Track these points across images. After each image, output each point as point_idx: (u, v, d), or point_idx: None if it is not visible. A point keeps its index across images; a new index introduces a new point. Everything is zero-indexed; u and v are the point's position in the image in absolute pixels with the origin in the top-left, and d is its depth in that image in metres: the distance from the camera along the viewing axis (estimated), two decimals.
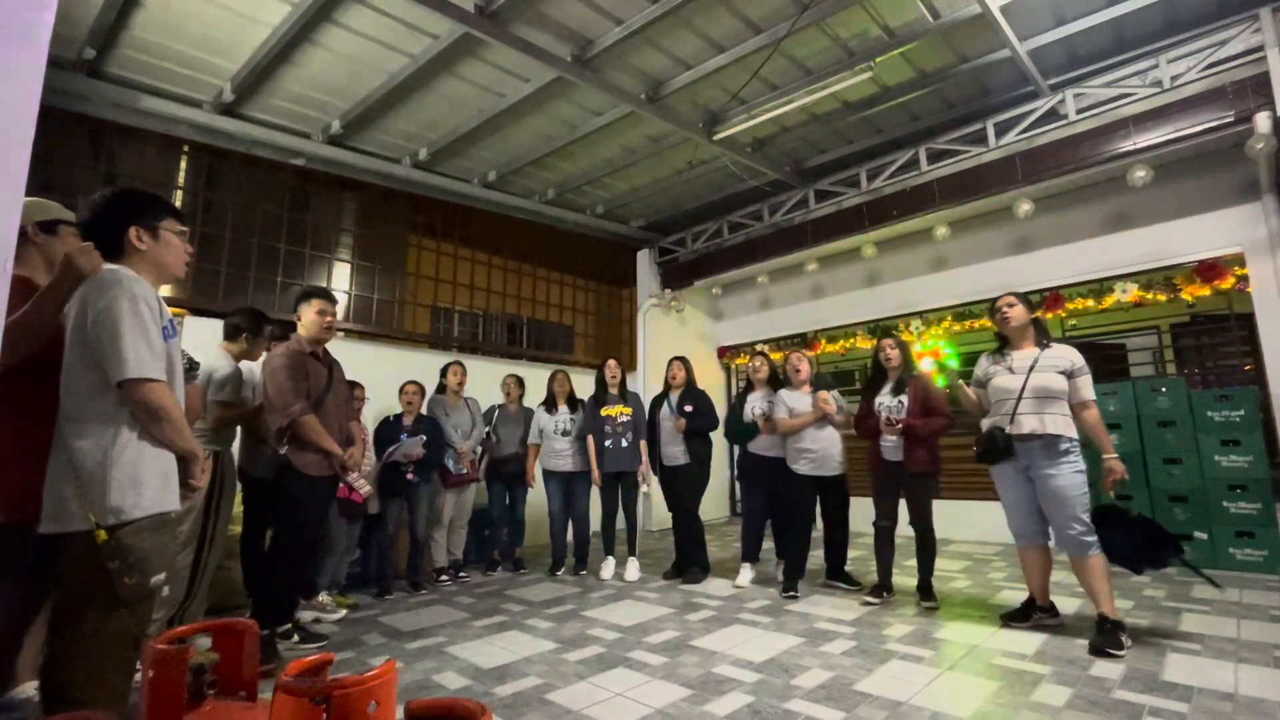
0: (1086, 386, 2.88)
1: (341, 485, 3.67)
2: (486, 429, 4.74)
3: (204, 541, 2.92)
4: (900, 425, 3.47)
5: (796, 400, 3.98)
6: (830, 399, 3.87)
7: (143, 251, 1.68)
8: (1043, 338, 3.03)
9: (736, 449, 4.35)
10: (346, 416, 3.16)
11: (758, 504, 4.19)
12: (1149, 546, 2.79)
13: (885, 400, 3.64)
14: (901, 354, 3.70)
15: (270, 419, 2.86)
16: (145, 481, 1.54)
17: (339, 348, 5.12)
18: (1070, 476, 2.79)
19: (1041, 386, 2.88)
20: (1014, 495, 3.02)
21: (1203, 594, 3.61)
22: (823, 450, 3.85)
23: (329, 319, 3.03)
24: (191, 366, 2.93)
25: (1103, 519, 2.82)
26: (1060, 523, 2.83)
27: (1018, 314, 3.03)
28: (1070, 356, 2.93)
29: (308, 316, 3.00)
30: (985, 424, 3.07)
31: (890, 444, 3.56)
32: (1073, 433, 2.83)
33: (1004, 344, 3.13)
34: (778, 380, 4.32)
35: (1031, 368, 2.92)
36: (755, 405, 4.20)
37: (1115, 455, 2.85)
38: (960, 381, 3.30)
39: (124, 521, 1.48)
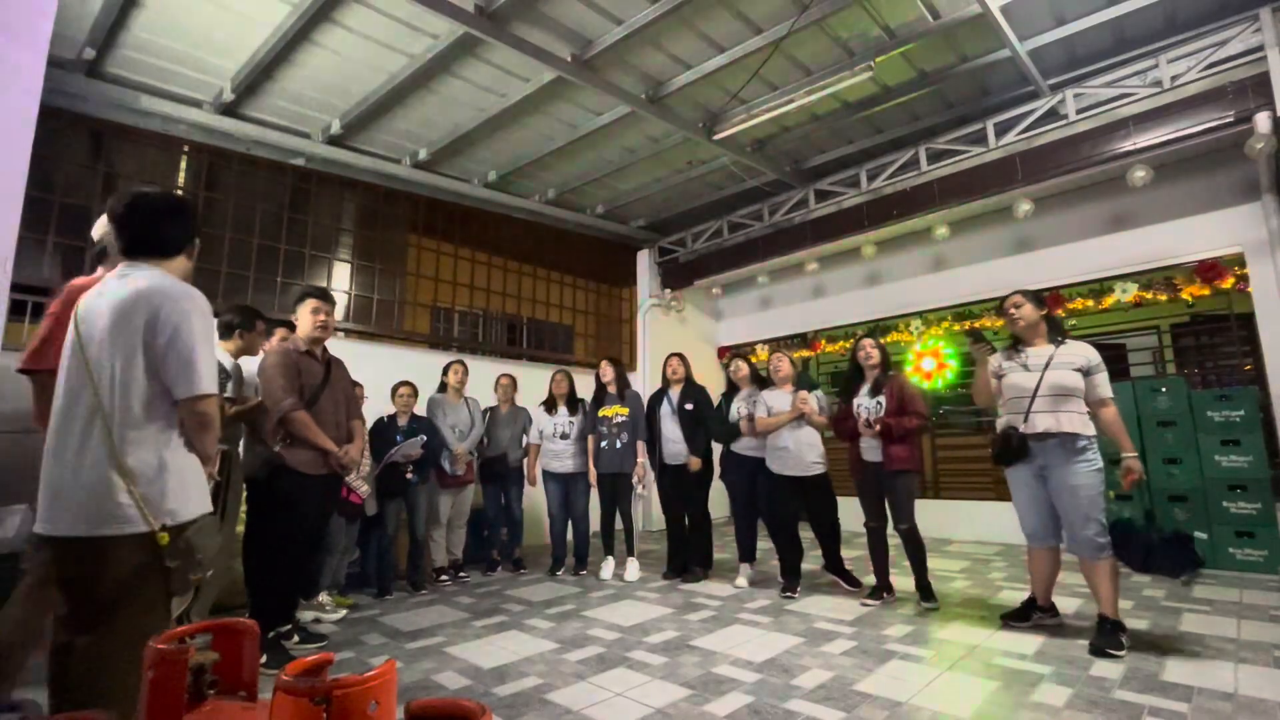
0: (1104, 384, 2.81)
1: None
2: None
3: None
4: (877, 426, 3.47)
5: (776, 399, 3.97)
6: (810, 398, 3.85)
7: (189, 265, 1.74)
8: (1056, 334, 2.95)
9: (719, 448, 4.36)
10: (347, 415, 3.16)
11: (743, 504, 4.20)
12: (1166, 557, 2.79)
13: (864, 401, 3.64)
14: (880, 354, 3.70)
15: (262, 418, 2.90)
16: (191, 484, 1.59)
17: (339, 347, 5.14)
18: (1088, 475, 2.71)
19: (1057, 384, 2.81)
20: (1026, 496, 2.95)
21: (1203, 594, 3.61)
22: (795, 449, 3.80)
23: (322, 318, 3.05)
24: (226, 377, 2.95)
25: (1122, 535, 2.81)
26: (1075, 524, 2.75)
27: (1026, 313, 2.97)
28: (1086, 354, 2.85)
29: (302, 316, 3.06)
30: (1000, 424, 3.01)
31: (870, 445, 3.56)
32: (1090, 431, 2.77)
33: (1017, 341, 3.04)
34: (761, 380, 4.32)
35: (1047, 365, 2.86)
36: (740, 405, 4.20)
37: (1135, 454, 2.74)
38: (994, 353, 3.13)
39: (181, 523, 1.52)
